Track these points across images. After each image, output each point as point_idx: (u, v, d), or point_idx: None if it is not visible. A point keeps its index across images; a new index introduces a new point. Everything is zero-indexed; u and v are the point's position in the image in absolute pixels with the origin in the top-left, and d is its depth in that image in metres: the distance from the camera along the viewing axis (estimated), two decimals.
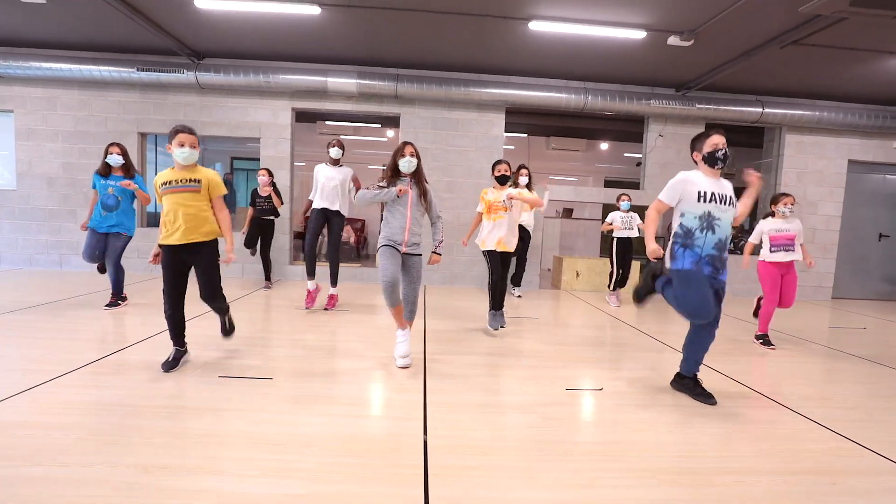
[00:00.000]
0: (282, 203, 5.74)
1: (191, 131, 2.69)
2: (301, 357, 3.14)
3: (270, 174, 5.68)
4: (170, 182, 2.69)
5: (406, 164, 3.00)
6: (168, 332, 2.81)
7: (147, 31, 5.24)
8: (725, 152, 2.53)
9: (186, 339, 2.87)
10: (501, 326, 3.98)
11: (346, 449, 1.94)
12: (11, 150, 6.47)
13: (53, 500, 1.52)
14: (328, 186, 4.50)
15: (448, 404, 2.47)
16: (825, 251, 7.19)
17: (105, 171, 4.14)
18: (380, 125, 10.05)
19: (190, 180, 2.70)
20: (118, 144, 4.15)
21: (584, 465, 1.92)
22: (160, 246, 2.75)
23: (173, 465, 1.75)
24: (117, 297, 4.32)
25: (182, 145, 2.65)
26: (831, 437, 2.27)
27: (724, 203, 2.55)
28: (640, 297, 2.88)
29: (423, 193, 3.10)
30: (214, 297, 2.87)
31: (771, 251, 3.95)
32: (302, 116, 7.90)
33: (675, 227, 2.66)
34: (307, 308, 4.60)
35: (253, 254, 5.84)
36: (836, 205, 7.14)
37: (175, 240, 2.69)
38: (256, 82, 6.09)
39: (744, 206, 2.69)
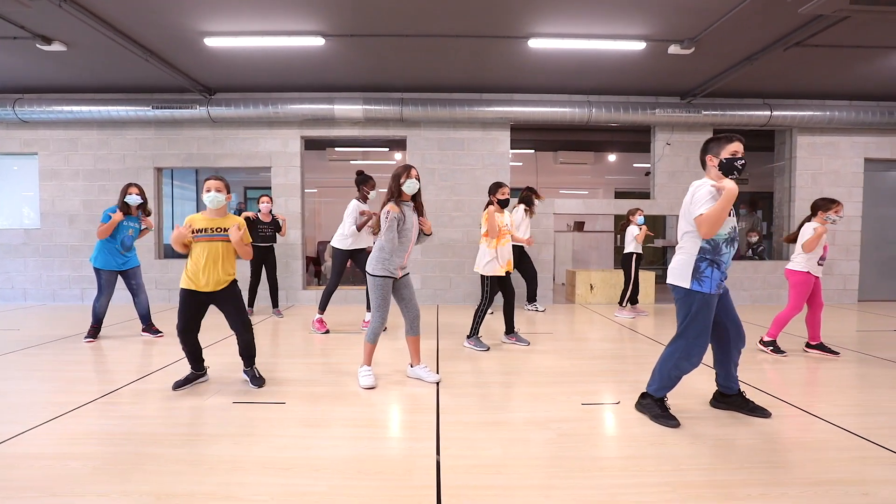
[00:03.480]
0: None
1: (217, 178, 2.86)
2: (313, 381, 3.15)
3: (271, 201, 5.67)
4: (204, 230, 2.82)
5: (411, 186, 2.97)
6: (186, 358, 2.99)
7: (161, 71, 5.47)
8: (744, 162, 2.29)
9: (207, 366, 3.10)
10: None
11: (358, 471, 1.92)
12: (36, 191, 6.74)
13: None
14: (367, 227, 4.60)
15: (461, 423, 2.43)
16: (847, 253, 6.99)
17: (126, 210, 4.21)
18: (388, 149, 10.22)
19: (222, 229, 2.85)
20: (136, 185, 4.29)
21: (603, 480, 1.86)
22: (183, 290, 2.85)
23: (186, 491, 1.75)
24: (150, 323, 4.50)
25: (209, 190, 2.82)
26: (863, 446, 2.17)
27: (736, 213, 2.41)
28: (669, 418, 2.44)
29: (421, 215, 3.11)
30: (246, 327, 2.98)
31: (819, 263, 3.73)
32: (311, 144, 8.09)
33: (697, 243, 2.33)
34: (325, 332, 4.65)
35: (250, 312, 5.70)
36: (855, 205, 6.96)
37: (203, 287, 2.83)
38: (266, 113, 6.28)
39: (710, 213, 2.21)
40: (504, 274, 3.99)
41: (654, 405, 2.47)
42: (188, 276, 2.83)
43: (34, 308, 6.27)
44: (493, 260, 3.93)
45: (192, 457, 2.03)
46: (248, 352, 3.02)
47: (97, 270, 4.22)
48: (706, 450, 2.12)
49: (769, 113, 6.45)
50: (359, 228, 4.55)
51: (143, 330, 4.47)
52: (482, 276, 3.99)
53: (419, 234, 3.13)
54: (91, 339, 4.23)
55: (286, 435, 2.27)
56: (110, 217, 4.11)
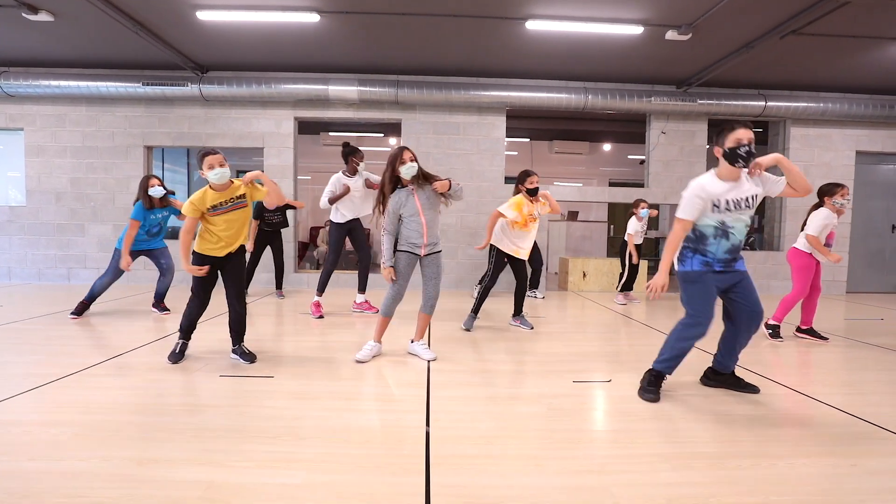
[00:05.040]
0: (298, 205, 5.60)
1: (216, 152, 2.77)
2: (304, 357, 3.11)
3: None
4: (219, 205, 2.79)
5: (408, 171, 2.90)
6: (180, 326, 2.96)
7: (152, 46, 5.34)
8: (750, 149, 2.22)
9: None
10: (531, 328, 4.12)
11: (345, 440, 1.89)
12: (22, 168, 6.59)
13: (47, 492, 1.48)
14: (356, 196, 4.50)
15: (452, 398, 2.42)
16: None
17: (149, 204, 4.11)
18: (382, 134, 10.13)
19: (237, 198, 2.84)
20: (156, 176, 4.20)
21: (593, 451, 1.85)
22: (198, 254, 2.82)
23: (168, 457, 1.71)
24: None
25: (212, 167, 2.72)
26: (850, 422, 2.18)
27: (741, 208, 2.32)
28: (651, 393, 2.45)
29: (434, 190, 2.97)
30: (240, 296, 2.96)
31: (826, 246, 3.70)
32: (305, 128, 7.98)
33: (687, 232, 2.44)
34: (320, 317, 4.46)
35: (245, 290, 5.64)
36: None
37: (219, 252, 2.84)
38: (259, 93, 6.17)
39: (794, 177, 2.34)
40: (514, 255, 3.95)
41: (648, 376, 2.48)
42: (206, 247, 2.82)
43: (19, 286, 6.16)
44: (503, 238, 3.95)
45: (175, 425, 1.99)
46: (238, 326, 2.96)
47: (116, 251, 4.17)
48: (697, 424, 2.12)
49: (764, 103, 6.44)
50: (331, 202, 4.43)
51: (153, 305, 4.48)
52: (491, 248, 4.02)
53: (446, 196, 3.01)
54: (76, 316, 4.15)
55: (273, 406, 2.24)
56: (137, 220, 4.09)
